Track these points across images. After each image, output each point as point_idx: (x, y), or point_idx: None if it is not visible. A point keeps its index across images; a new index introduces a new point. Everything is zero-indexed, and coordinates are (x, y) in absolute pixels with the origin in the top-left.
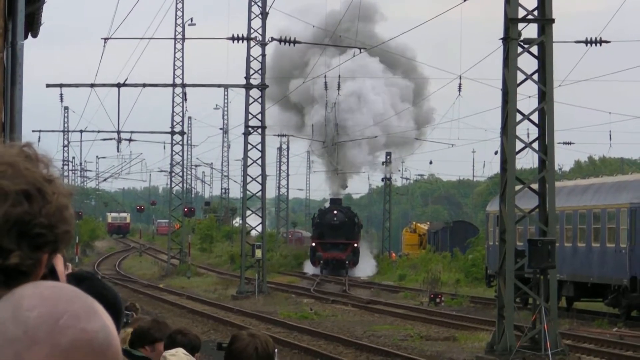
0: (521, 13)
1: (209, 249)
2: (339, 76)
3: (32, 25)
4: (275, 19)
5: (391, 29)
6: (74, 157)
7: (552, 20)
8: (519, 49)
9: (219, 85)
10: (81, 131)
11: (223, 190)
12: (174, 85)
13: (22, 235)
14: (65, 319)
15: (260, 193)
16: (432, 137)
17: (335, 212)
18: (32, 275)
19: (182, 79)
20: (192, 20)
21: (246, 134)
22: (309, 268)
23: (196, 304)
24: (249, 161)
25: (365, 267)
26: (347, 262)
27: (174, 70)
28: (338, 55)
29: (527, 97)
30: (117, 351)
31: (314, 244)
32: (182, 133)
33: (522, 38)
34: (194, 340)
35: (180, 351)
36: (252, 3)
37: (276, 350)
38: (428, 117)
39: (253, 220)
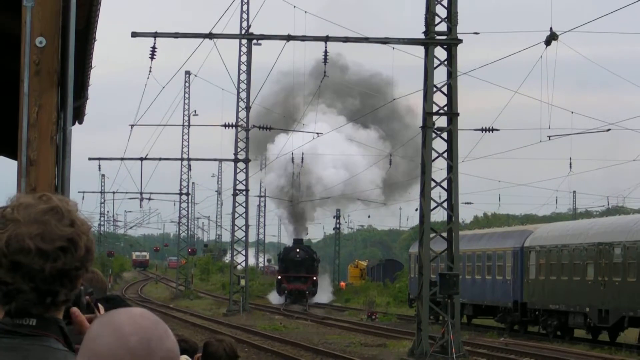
0: (435, 108)
1: (206, 279)
2: (302, 153)
3: (79, 115)
4: (258, 100)
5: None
6: (108, 211)
7: (457, 114)
8: (433, 135)
9: (215, 159)
10: (114, 192)
11: (217, 236)
12: (182, 159)
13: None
14: (155, 341)
15: (244, 238)
16: (370, 198)
17: (297, 250)
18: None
19: (188, 154)
20: (195, 112)
21: (234, 195)
22: (274, 298)
23: (197, 319)
24: (237, 215)
25: (322, 296)
26: (307, 292)
27: (182, 147)
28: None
29: (439, 170)
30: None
31: (279, 277)
32: (187, 194)
33: (435, 127)
34: (193, 345)
35: (183, 357)
36: (239, 99)
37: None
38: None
39: (239, 258)
